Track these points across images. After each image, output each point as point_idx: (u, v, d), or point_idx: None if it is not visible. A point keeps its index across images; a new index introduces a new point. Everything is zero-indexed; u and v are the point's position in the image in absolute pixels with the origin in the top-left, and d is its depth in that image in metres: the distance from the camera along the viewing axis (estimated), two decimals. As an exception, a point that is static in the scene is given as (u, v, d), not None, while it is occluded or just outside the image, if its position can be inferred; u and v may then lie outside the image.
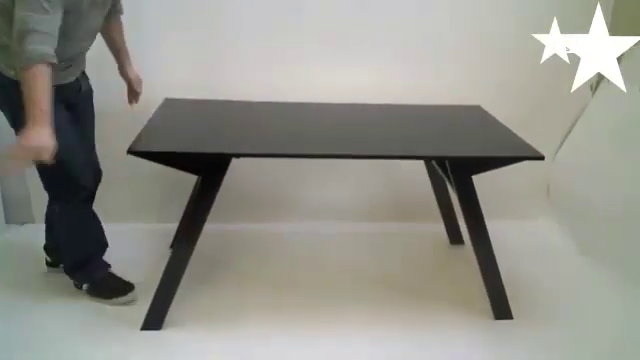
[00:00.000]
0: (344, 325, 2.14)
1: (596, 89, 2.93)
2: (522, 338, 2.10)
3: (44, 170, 1.97)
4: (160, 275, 2.05)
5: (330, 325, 2.13)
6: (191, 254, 2.04)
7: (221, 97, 2.57)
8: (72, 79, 2.06)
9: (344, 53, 2.77)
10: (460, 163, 2.12)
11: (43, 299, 2.23)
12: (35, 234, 2.76)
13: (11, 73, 1.85)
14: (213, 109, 2.48)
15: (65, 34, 1.79)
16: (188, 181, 2.38)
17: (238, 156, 2.02)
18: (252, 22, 2.69)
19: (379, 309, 2.25)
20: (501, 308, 2.21)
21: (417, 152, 2.18)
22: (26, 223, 2.86)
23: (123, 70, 2.35)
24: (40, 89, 1.67)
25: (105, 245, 2.30)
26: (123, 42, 2.32)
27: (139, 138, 2.02)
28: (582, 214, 2.74)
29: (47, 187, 2.12)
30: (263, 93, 2.62)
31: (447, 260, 2.66)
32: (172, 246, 2.63)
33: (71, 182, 2.06)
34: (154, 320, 2.05)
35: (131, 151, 1.90)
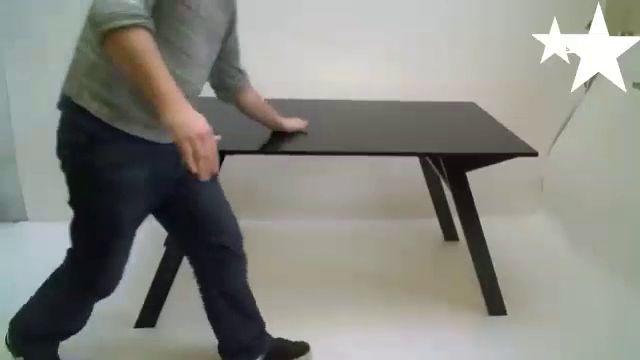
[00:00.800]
0: (339, 322, 2.15)
1: (590, 85, 2.94)
2: (516, 334, 2.11)
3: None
4: (154, 273, 2.04)
5: (325, 322, 2.14)
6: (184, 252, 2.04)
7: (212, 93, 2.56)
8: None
9: (339, 50, 2.76)
10: (454, 160, 2.12)
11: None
12: (28, 232, 2.76)
13: (93, 106, 1.38)
14: (206, 104, 2.46)
15: (178, 50, 1.36)
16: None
17: (232, 153, 2.01)
18: (246, 19, 2.67)
19: (374, 305, 2.25)
20: (495, 304, 2.22)
21: (412, 149, 2.18)
22: (19, 221, 2.85)
23: (278, 125, 2.04)
24: (148, 56, 1.17)
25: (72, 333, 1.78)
26: (263, 103, 1.96)
27: None
28: (576, 210, 2.75)
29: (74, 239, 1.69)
30: (257, 89, 2.61)
31: (441, 256, 2.67)
32: (166, 243, 2.62)
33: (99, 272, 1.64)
34: (148, 317, 2.05)
35: None
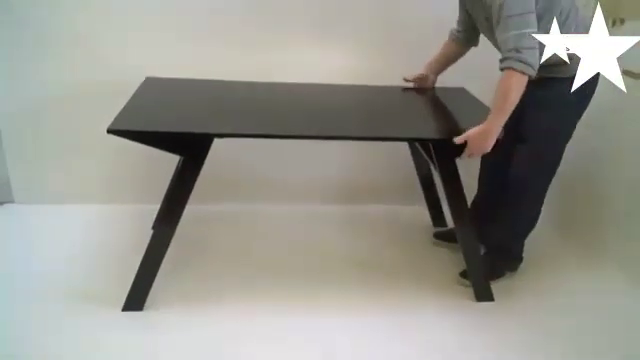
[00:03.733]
0: (325, 307, 2.15)
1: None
2: (504, 320, 2.12)
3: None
4: (141, 256, 2.03)
5: (312, 307, 2.14)
6: (172, 235, 2.03)
7: (199, 77, 2.53)
8: None
9: (329, 34, 2.74)
10: (444, 145, 2.12)
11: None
12: (15, 214, 2.74)
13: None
14: (194, 88, 2.44)
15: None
16: (169, 161, 2.36)
17: (221, 136, 1.99)
18: (231, 3, 2.65)
19: (362, 291, 2.26)
20: (482, 290, 2.23)
21: (401, 134, 2.17)
22: (5, 203, 2.82)
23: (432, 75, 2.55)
24: (517, 99, 1.88)
25: None
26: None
27: (120, 117, 1.97)
28: (563, 196, 2.76)
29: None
30: (244, 73, 2.59)
31: (429, 242, 2.67)
32: (154, 226, 2.61)
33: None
34: (135, 301, 2.04)
35: (111, 130, 1.85)
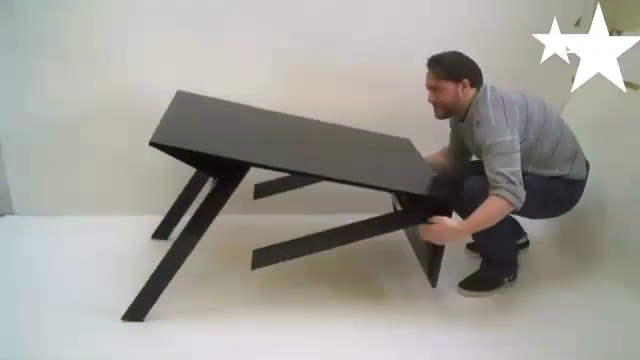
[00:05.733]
0: (332, 319, 2.12)
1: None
2: (503, 334, 2.10)
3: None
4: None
5: (318, 320, 2.11)
6: (192, 249, 2.01)
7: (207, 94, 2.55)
8: None
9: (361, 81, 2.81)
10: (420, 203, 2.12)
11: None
12: (14, 226, 2.73)
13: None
14: (225, 110, 2.47)
15: None
16: (167, 173, 2.36)
17: (259, 166, 1.97)
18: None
19: (369, 305, 2.24)
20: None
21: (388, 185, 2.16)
22: (5, 214, 2.82)
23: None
24: (492, 220, 2.00)
25: None
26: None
27: (160, 131, 1.95)
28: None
29: None
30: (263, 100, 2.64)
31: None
32: (154, 237, 2.62)
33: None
34: (138, 311, 2.02)
35: (153, 143, 1.83)
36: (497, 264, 2.30)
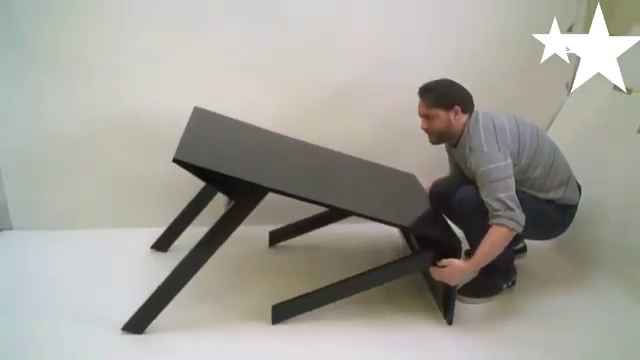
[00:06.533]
0: (334, 331, 2.11)
1: (571, 88, 2.98)
2: (503, 338, 2.10)
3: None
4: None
5: (320, 333, 2.09)
6: (202, 265, 2.02)
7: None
8: None
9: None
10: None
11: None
12: (13, 241, 2.73)
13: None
14: (242, 131, 2.51)
15: None
16: (164, 187, 2.34)
17: (277, 192, 1.99)
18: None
19: (368, 310, 2.24)
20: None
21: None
22: (3, 230, 2.82)
23: None
24: (498, 249, 2.03)
25: None
26: None
27: (183, 148, 1.97)
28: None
29: None
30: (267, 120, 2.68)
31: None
32: (153, 247, 2.63)
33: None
34: (139, 323, 2.02)
35: (177, 160, 1.85)
36: (496, 271, 2.31)
